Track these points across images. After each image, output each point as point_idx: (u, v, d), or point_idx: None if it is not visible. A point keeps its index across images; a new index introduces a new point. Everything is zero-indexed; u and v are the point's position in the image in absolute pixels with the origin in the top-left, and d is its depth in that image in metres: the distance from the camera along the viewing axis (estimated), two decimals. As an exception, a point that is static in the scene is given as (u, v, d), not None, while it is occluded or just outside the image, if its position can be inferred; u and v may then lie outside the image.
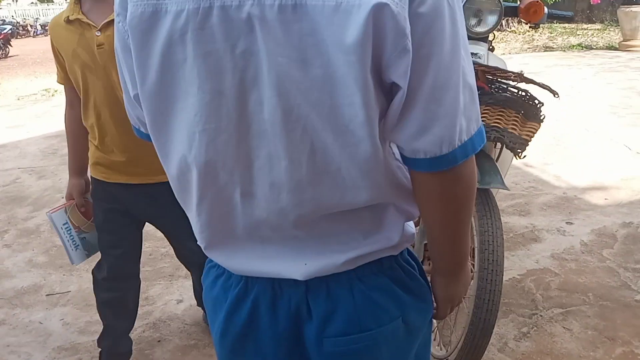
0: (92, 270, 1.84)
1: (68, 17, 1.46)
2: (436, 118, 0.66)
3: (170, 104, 0.69)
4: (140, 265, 1.90)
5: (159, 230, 1.86)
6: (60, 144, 5.15)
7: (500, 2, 1.96)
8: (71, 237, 1.73)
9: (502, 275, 1.63)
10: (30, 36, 26.26)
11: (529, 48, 10.52)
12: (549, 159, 3.99)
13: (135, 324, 2.00)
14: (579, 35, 11.34)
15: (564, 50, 9.83)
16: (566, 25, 12.71)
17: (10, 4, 34.40)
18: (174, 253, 2.92)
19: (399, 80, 0.64)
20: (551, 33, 11.89)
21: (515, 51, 10.05)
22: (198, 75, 0.65)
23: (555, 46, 10.47)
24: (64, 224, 1.70)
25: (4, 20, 21.36)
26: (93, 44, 1.44)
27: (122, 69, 0.75)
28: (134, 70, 0.70)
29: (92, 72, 1.47)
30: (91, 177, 1.69)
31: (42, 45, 17.43)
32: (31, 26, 27.34)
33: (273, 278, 0.79)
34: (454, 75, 0.65)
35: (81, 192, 1.72)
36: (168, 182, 1.48)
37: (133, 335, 2.02)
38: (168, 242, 3.01)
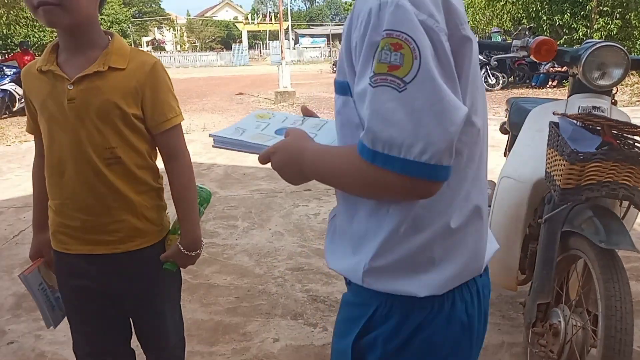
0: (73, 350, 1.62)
1: (41, 67, 1.38)
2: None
3: (476, 87, 0.91)
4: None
5: (122, 311, 1.57)
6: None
7: (627, 55, 1.87)
8: (47, 298, 1.57)
9: (632, 345, 1.49)
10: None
11: (637, 101, 9.93)
12: (668, 220, 3.67)
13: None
14: (694, 88, 10.56)
15: (678, 104, 9.17)
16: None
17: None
18: (271, 290, 2.98)
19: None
20: (662, 85, 11.16)
21: (623, 104, 9.49)
22: (473, 73, 0.89)
23: (668, 100, 9.80)
24: (39, 285, 1.55)
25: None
26: (64, 98, 1.35)
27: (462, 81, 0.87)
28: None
29: (60, 126, 1.37)
30: (52, 249, 1.51)
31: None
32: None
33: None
34: None
35: (50, 247, 1.52)
36: (135, 251, 1.45)
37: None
38: (265, 279, 3.09)
